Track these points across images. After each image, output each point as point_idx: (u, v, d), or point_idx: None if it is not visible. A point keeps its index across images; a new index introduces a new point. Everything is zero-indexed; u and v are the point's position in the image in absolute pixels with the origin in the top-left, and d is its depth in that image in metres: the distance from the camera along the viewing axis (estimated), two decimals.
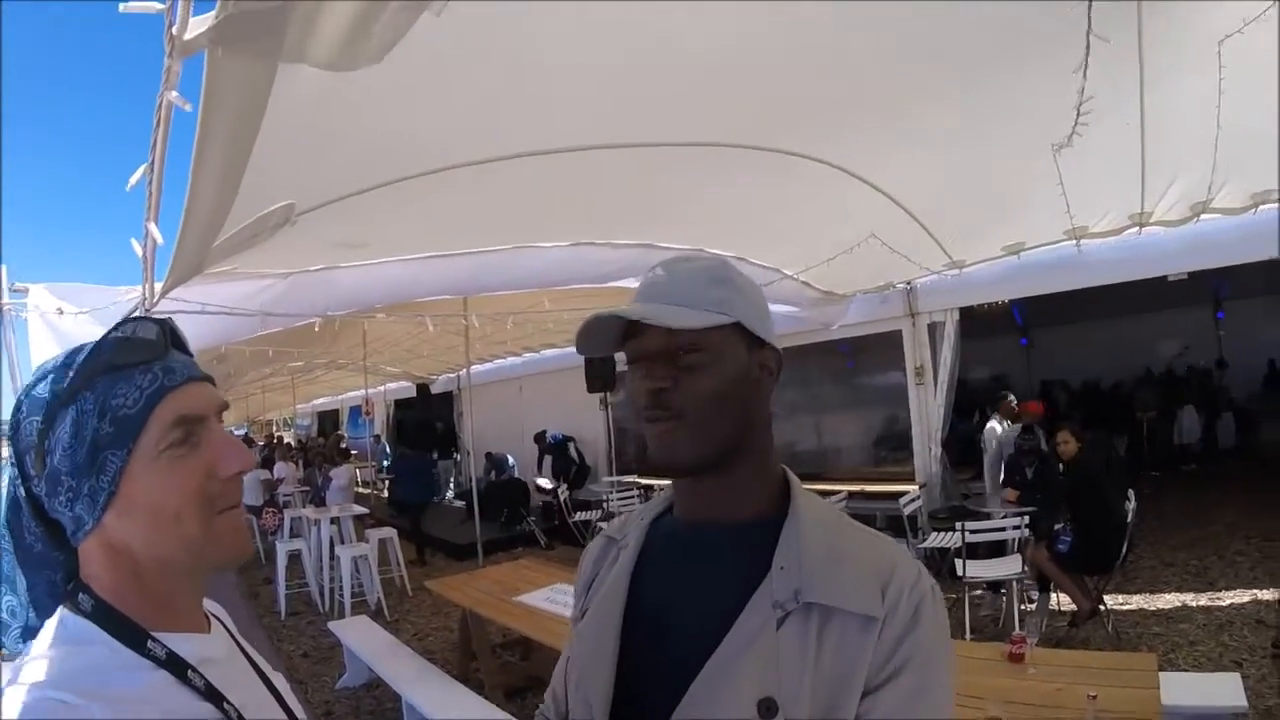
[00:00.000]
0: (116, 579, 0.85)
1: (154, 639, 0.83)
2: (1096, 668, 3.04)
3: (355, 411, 21.59)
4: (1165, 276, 6.41)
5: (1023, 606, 5.69)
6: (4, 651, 0.90)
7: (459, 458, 16.31)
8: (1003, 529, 5.52)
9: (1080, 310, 12.79)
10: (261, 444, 19.97)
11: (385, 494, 15.90)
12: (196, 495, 0.84)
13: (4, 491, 0.86)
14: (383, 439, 20.03)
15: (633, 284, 6.25)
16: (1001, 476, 7.30)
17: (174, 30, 1.24)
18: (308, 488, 12.70)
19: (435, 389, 16.94)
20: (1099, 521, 5.36)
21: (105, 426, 0.80)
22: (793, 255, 6.18)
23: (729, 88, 3.17)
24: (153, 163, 1.57)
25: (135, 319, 0.90)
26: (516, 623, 4.67)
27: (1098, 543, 5.30)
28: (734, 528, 0.99)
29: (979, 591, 6.24)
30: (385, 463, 17.04)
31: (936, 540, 6.68)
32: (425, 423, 19.00)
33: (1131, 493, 5.51)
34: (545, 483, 11.86)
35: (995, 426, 8.06)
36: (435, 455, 16.63)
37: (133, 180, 1.61)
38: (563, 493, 10.66)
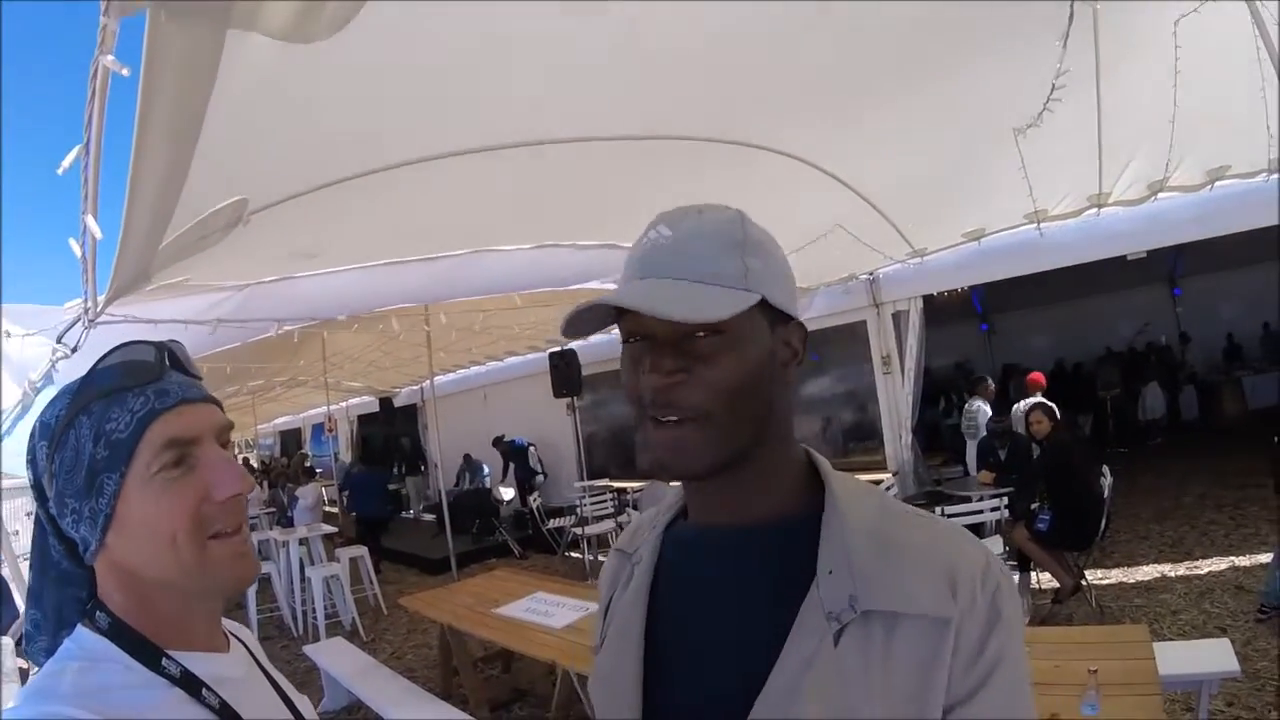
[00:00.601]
0: (127, 598, 0.85)
1: (168, 657, 0.84)
2: (1090, 642, 3.04)
3: (318, 429, 21.20)
4: (1124, 256, 6.49)
5: None
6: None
7: (425, 469, 16.10)
8: (981, 511, 5.53)
9: (1038, 294, 12.96)
10: None
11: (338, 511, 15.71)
12: (190, 519, 0.82)
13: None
14: (339, 455, 19.72)
15: (597, 285, 6.21)
16: (975, 460, 7.35)
17: None
18: (273, 509, 12.47)
19: (398, 402, 16.72)
20: (1077, 499, 5.40)
21: (100, 450, 0.81)
22: None
23: (688, 81, 3.12)
24: (88, 143, 1.44)
25: (133, 342, 0.90)
26: (497, 636, 4.56)
27: (1077, 519, 5.33)
28: (761, 529, 0.85)
29: None
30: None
31: None
32: (390, 438, 18.76)
33: (1106, 468, 5.56)
34: (508, 492, 11.73)
35: (984, 408, 8.05)
36: (402, 471, 16.41)
37: (65, 163, 1.47)
38: (534, 500, 10.54)
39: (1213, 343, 13.93)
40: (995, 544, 5.51)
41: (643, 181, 4.10)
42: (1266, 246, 6.96)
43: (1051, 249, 6.54)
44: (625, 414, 12.82)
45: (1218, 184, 5.49)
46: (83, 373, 0.88)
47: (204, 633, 0.91)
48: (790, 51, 3.10)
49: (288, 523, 10.56)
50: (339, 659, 5.52)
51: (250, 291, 4.18)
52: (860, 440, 8.96)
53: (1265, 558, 4.76)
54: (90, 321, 2.76)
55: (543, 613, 4.66)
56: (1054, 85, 3.54)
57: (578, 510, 9.64)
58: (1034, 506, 5.81)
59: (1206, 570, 5.73)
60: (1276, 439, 6.43)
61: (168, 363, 0.91)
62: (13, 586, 4.46)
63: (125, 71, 1.23)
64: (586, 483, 10.86)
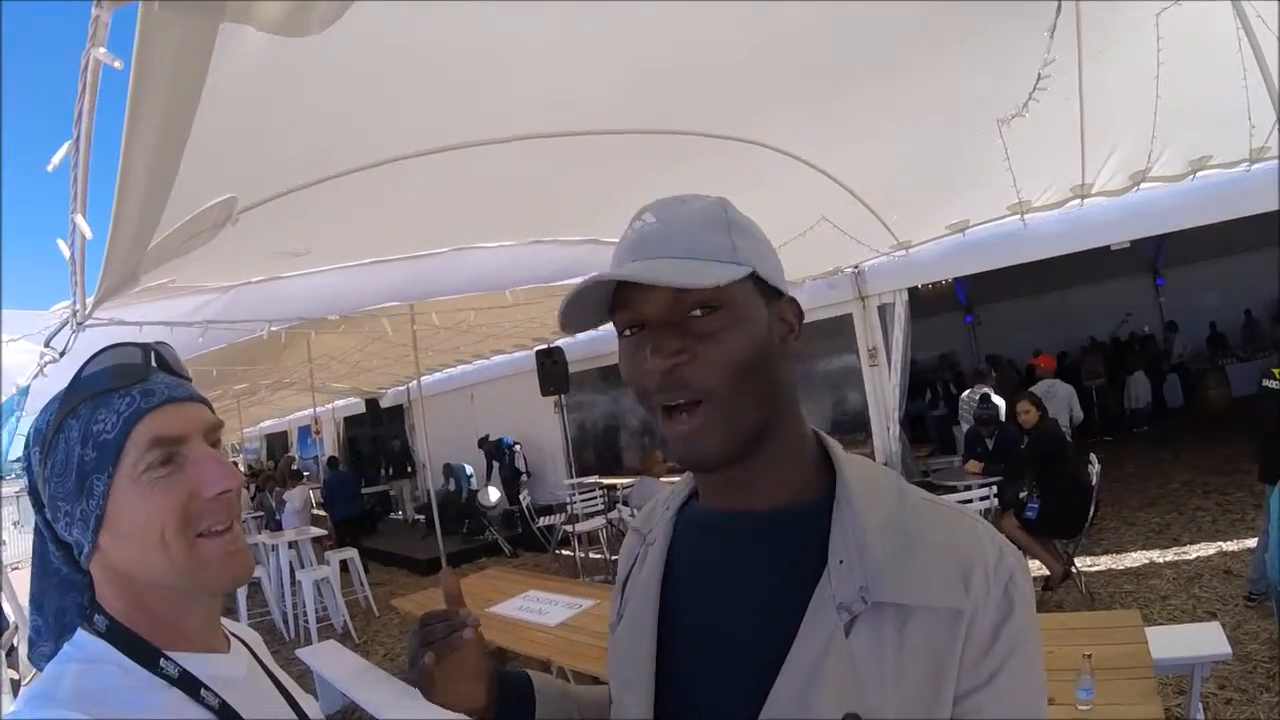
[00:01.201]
0: (124, 600, 0.86)
1: (167, 658, 0.84)
2: (1083, 628, 3.06)
3: (304, 432, 21.06)
4: (1108, 246, 6.53)
5: None
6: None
7: (414, 471, 16.03)
8: (971, 501, 5.56)
9: (1022, 285, 13.04)
10: None
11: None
12: (179, 516, 0.83)
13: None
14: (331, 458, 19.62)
15: (583, 281, 6.20)
16: (961, 450, 7.39)
17: None
18: (261, 513, 12.39)
19: (385, 403, 16.62)
20: (1064, 487, 5.45)
21: (88, 452, 0.82)
22: None
23: (671, 75, 3.12)
24: (78, 139, 1.42)
25: (119, 344, 0.91)
26: (491, 634, 4.54)
27: (1065, 508, 5.38)
28: (773, 515, 0.84)
29: None
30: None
31: None
32: (378, 439, 18.67)
33: (1094, 456, 5.61)
34: (494, 494, 11.70)
35: (998, 400, 8.08)
36: (390, 473, 16.31)
37: (55, 160, 1.45)
38: (524, 499, 10.53)
39: (1197, 332, 14.06)
40: None
41: (626, 176, 4.09)
42: (1248, 235, 7.04)
43: (1035, 240, 6.57)
44: (613, 411, 12.84)
45: (1199, 174, 5.54)
46: (67, 378, 0.89)
47: (202, 633, 0.91)
48: (772, 45, 3.09)
49: (276, 527, 10.50)
50: (332, 662, 5.50)
51: (236, 292, 4.15)
52: (848, 432, 8.97)
53: (1252, 542, 4.82)
54: (79, 325, 2.72)
55: (536, 611, 4.66)
56: (1040, 75, 3.56)
57: (568, 508, 9.63)
58: (1022, 495, 5.86)
59: (1195, 556, 5.79)
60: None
61: (154, 363, 0.92)
62: (2, 597, 4.42)
63: (118, 64, 1.22)
64: (576, 480, 10.85)
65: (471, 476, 12.93)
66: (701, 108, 3.55)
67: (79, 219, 1.72)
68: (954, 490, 6.14)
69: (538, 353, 9.89)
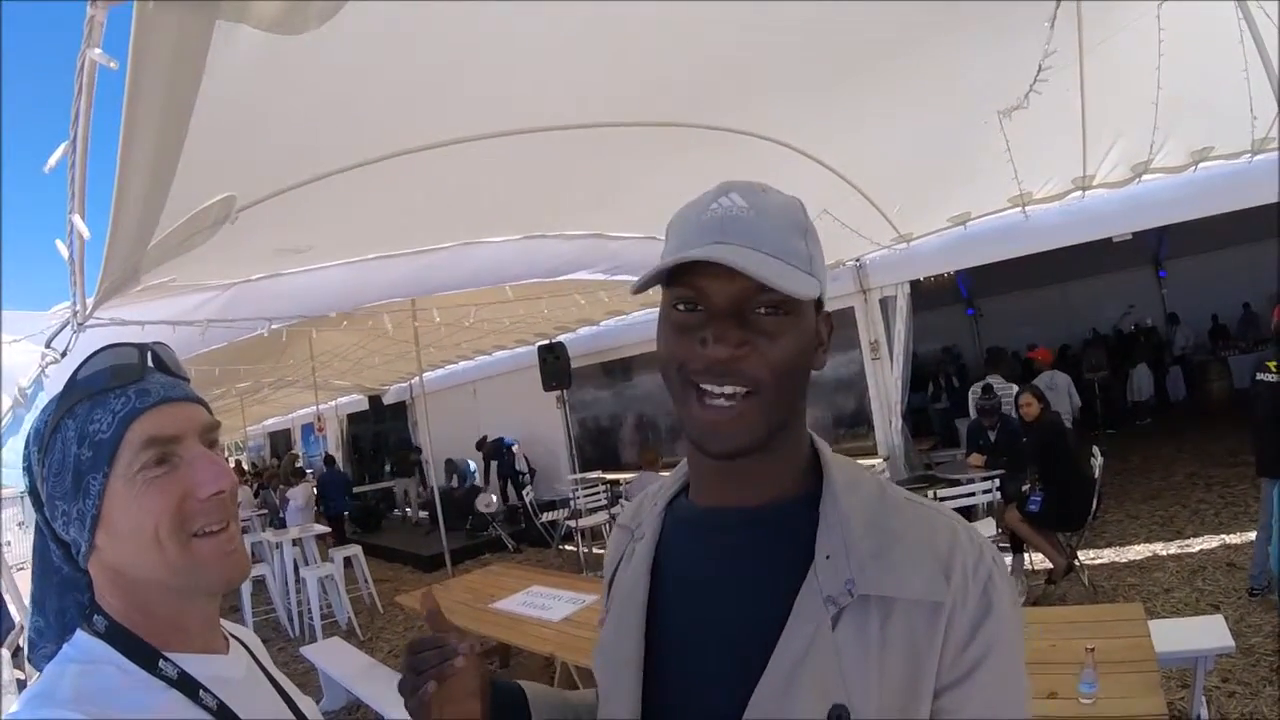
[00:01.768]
0: (122, 600, 0.86)
1: (165, 659, 0.85)
2: (1086, 621, 3.06)
3: (308, 429, 21.09)
4: (1109, 238, 6.51)
5: None
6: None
7: (419, 467, 16.03)
8: (974, 494, 5.56)
9: (1025, 277, 13.05)
10: None
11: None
12: (172, 516, 0.82)
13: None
14: (335, 457, 19.64)
15: (586, 276, 6.19)
16: (964, 444, 7.39)
17: None
18: (265, 511, 12.42)
19: (387, 399, 16.64)
20: (1067, 480, 5.43)
21: (84, 451, 0.82)
22: None
23: (673, 67, 3.11)
24: (75, 139, 1.42)
25: (115, 344, 0.91)
26: (494, 630, 4.55)
27: (1067, 500, 5.36)
28: (762, 510, 0.85)
29: None
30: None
31: None
32: (381, 436, 18.70)
33: (1097, 449, 5.60)
34: (492, 499, 11.71)
35: (1001, 391, 8.09)
36: (393, 470, 16.31)
37: (52, 161, 1.44)
38: (528, 495, 10.53)
39: (1199, 324, 14.02)
40: (988, 526, 5.56)
41: (627, 170, 4.10)
42: (1251, 227, 7.02)
43: (1037, 232, 6.57)
44: (616, 406, 12.85)
45: (1201, 165, 5.52)
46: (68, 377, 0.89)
47: (201, 634, 0.92)
48: (773, 38, 3.09)
49: (280, 524, 10.52)
50: (337, 659, 5.51)
51: (236, 290, 4.15)
52: (850, 426, 8.98)
53: (1254, 535, 4.81)
54: (79, 325, 2.72)
55: (539, 606, 4.66)
56: (1040, 67, 3.55)
57: (571, 503, 9.63)
58: (1025, 488, 5.85)
59: (1198, 548, 5.78)
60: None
61: (151, 364, 0.92)
62: (7, 598, 4.43)
63: (114, 65, 1.21)
64: (578, 475, 10.85)
65: (475, 472, 12.96)
66: (703, 101, 3.55)
67: (77, 219, 1.72)
68: (957, 483, 6.15)
69: (540, 348, 9.89)
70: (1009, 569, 5.50)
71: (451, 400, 14.06)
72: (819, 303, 0.86)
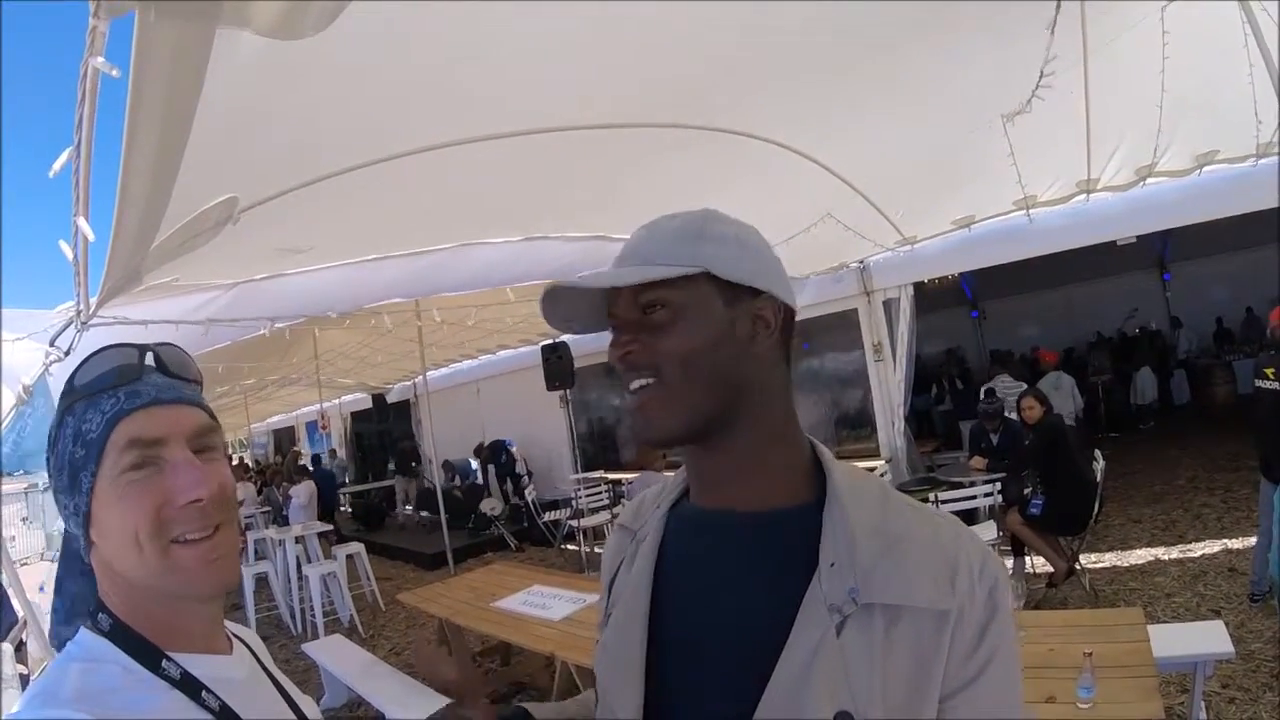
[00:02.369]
0: (120, 598, 0.86)
1: (169, 659, 0.84)
2: (1085, 626, 3.06)
3: (312, 427, 21.14)
4: (1114, 241, 6.50)
5: None
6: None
7: (418, 466, 16.05)
8: (975, 497, 5.56)
9: (1029, 280, 13.03)
10: None
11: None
12: (150, 521, 0.82)
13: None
14: (339, 453, 19.69)
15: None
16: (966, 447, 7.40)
17: None
18: (268, 508, 12.45)
19: (391, 398, 16.68)
20: (1069, 483, 5.42)
21: (78, 450, 0.83)
22: None
23: (676, 68, 3.11)
24: (79, 144, 1.43)
25: (112, 345, 0.91)
26: (496, 629, 4.56)
27: (1069, 504, 5.35)
28: (763, 516, 0.87)
29: None
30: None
31: None
32: (384, 434, 18.73)
33: (1099, 453, 5.59)
34: (495, 503, 11.74)
35: (1002, 393, 8.12)
36: (394, 469, 16.34)
37: (56, 166, 1.46)
38: (530, 494, 10.54)
39: (1203, 328, 13.98)
40: (989, 529, 5.56)
41: (631, 171, 4.10)
42: (1255, 230, 7.00)
43: (1041, 235, 6.55)
44: (618, 406, 12.86)
45: (1206, 169, 5.51)
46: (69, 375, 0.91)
47: (203, 634, 0.91)
48: (775, 40, 3.09)
49: (283, 521, 10.54)
50: (338, 657, 5.51)
51: (239, 290, 4.16)
52: (853, 428, 8.97)
53: (1256, 540, 4.80)
54: (83, 324, 2.74)
55: (540, 605, 4.66)
56: (1042, 73, 3.55)
57: (573, 503, 9.64)
58: (1026, 491, 5.85)
59: (1199, 553, 5.77)
60: None
61: (151, 364, 0.92)
62: (10, 592, 4.45)
63: (115, 73, 1.22)
64: (581, 475, 10.87)
65: (477, 471, 12.99)
66: (705, 102, 3.55)
67: (81, 222, 1.74)
68: (959, 486, 6.14)
69: (543, 348, 9.88)
70: (1010, 572, 5.49)
71: (455, 399, 14.08)
72: (753, 291, 0.89)
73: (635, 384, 0.88)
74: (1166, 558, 5.80)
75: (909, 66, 3.72)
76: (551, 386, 9.78)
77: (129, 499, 0.82)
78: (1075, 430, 7.03)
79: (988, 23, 3.50)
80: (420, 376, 10.20)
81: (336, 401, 17.91)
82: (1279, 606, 4.19)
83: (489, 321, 8.77)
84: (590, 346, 10.97)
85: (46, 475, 0.90)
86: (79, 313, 2.64)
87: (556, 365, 9.73)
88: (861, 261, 7.93)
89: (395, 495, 15.70)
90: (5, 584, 4.52)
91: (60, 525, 0.94)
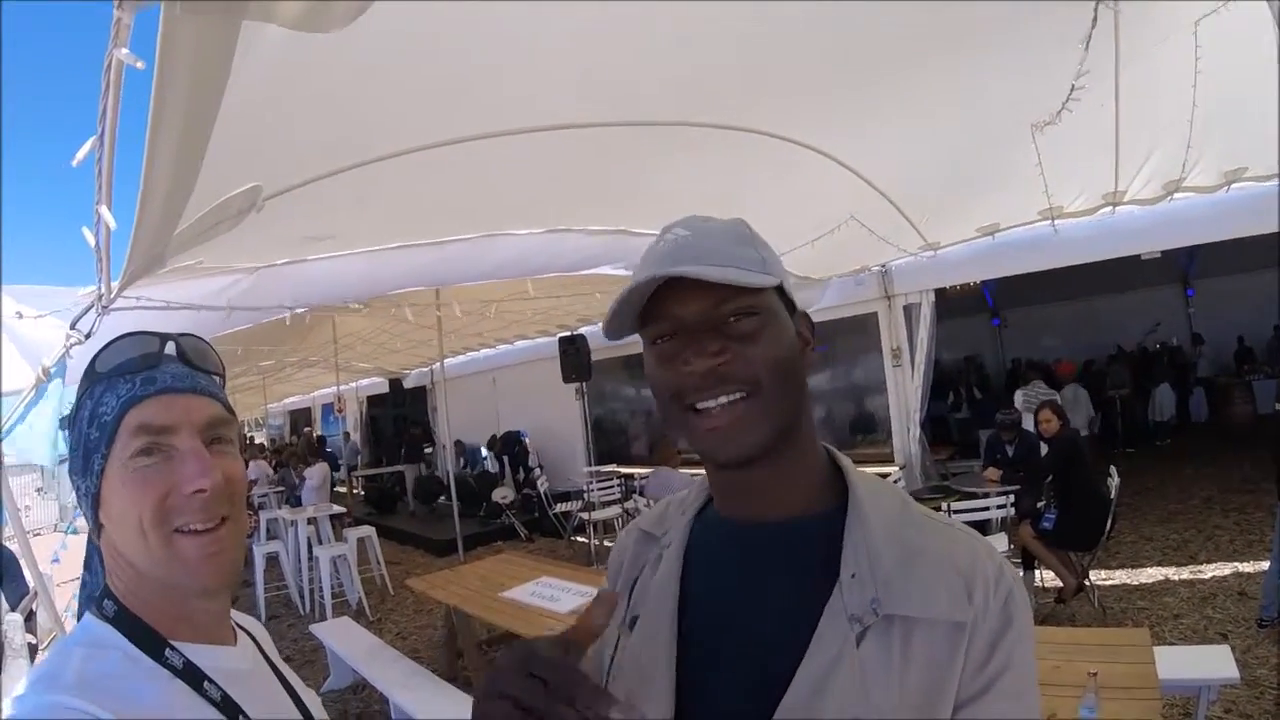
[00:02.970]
0: (125, 584, 0.87)
1: (172, 648, 0.85)
2: (1091, 644, 3.05)
3: (328, 409, 21.29)
4: (1138, 255, 6.44)
5: None
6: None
7: (430, 451, 16.14)
8: (988, 508, 5.53)
9: (1051, 290, 12.98)
10: None
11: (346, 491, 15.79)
12: (154, 509, 0.83)
13: None
14: (354, 436, 19.83)
15: (609, 271, 6.20)
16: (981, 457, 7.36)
17: None
18: (282, 488, 12.56)
19: (408, 383, 16.77)
20: (1082, 498, 5.40)
21: (92, 432, 0.85)
22: (770, 239, 6.10)
23: (703, 66, 3.10)
24: (102, 134, 1.44)
25: (134, 333, 0.92)
26: (503, 619, 4.59)
27: (1082, 519, 5.33)
28: (788, 526, 0.88)
29: None
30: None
31: None
32: (399, 419, 18.84)
33: (1114, 469, 5.55)
34: (509, 493, 11.79)
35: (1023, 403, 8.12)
36: (404, 455, 16.43)
37: (80, 155, 1.48)
38: (542, 485, 10.58)
39: (1224, 345, 13.83)
40: (1000, 541, 5.53)
41: (657, 168, 4.09)
42: None
43: (1065, 246, 6.49)
44: (635, 400, 12.87)
45: (1234, 186, 5.44)
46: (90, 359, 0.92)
47: (207, 625, 0.92)
48: (806, 40, 3.07)
49: (296, 502, 10.63)
50: (345, 639, 5.57)
51: (261, 274, 4.18)
52: (868, 432, 8.95)
53: (1268, 565, 4.76)
54: (104, 308, 2.77)
55: (548, 597, 4.69)
56: (1074, 86, 3.51)
57: (585, 495, 9.67)
58: (1040, 505, 5.81)
59: (1210, 575, 5.72)
60: None
61: (171, 353, 0.93)
62: (22, 563, 4.50)
63: (140, 65, 1.24)
64: (594, 468, 10.89)
65: (486, 459, 13.05)
66: (734, 102, 3.54)
67: (104, 210, 1.76)
68: (972, 496, 6.10)
69: (561, 340, 9.91)
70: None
71: (471, 387, 14.14)
72: (792, 305, 0.90)
73: (726, 398, 0.82)
74: (1177, 578, 5.76)
75: (940, 73, 3.69)
76: (568, 378, 9.81)
77: (135, 485, 0.83)
78: (1086, 437, 7.00)
79: (1021, 33, 3.46)
80: (438, 363, 10.24)
81: (353, 385, 18.02)
82: None
83: (509, 314, 8.78)
84: (608, 340, 10.99)
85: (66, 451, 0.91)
86: (100, 297, 2.67)
87: (574, 358, 9.75)
88: (883, 265, 7.89)
89: (407, 480, 15.80)
90: (19, 555, 4.57)
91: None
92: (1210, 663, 3.23)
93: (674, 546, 0.97)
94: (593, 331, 10.55)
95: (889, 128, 4.33)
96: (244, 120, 1.84)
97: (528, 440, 12.56)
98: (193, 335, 0.97)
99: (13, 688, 3.75)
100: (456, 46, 2.36)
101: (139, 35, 1.24)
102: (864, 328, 8.46)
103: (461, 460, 13.11)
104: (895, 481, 6.91)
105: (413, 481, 14.71)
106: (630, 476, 10.21)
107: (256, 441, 21.72)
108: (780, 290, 0.88)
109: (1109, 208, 5.94)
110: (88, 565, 0.95)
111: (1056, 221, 6.20)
